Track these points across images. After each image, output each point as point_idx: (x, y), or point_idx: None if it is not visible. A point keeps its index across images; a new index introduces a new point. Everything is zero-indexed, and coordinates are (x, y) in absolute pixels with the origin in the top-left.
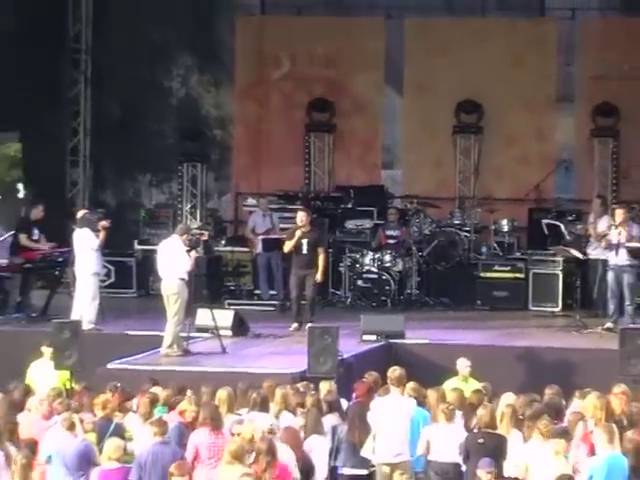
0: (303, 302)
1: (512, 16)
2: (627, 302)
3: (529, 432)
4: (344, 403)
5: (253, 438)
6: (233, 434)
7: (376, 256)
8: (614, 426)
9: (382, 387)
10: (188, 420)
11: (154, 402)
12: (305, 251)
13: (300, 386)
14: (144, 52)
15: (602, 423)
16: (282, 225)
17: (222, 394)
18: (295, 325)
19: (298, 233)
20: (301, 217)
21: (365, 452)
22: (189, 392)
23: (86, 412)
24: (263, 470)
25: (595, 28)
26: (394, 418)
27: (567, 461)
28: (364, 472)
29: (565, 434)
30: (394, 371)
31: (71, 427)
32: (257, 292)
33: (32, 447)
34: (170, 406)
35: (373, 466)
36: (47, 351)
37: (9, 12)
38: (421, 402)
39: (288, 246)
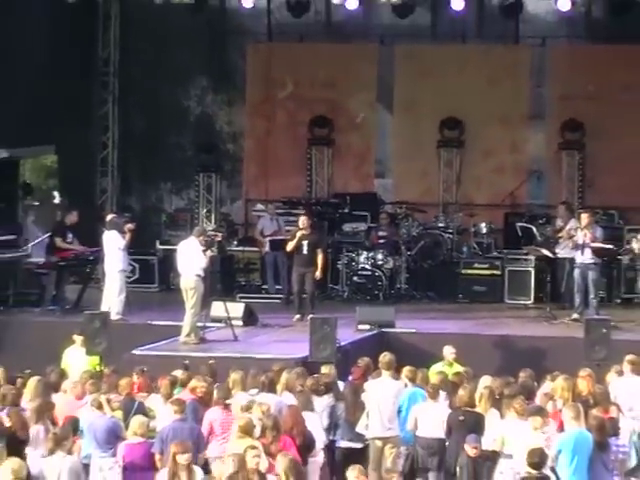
0: (304, 296)
1: (490, 43)
2: (591, 296)
3: (505, 410)
4: (341, 385)
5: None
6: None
7: (370, 255)
8: (580, 405)
9: (375, 371)
10: (199, 395)
11: (174, 384)
12: (305, 251)
13: (300, 370)
14: (165, 75)
15: (569, 403)
16: (287, 228)
17: (235, 376)
18: (297, 316)
19: (299, 234)
20: (302, 221)
21: (359, 428)
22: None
23: (113, 392)
24: (270, 443)
25: (563, 54)
26: (384, 398)
27: (543, 436)
28: (359, 445)
29: (541, 411)
30: (384, 356)
31: (99, 406)
32: (265, 287)
33: (75, 424)
34: (185, 386)
35: (367, 440)
36: (79, 339)
37: (44, 42)
38: (416, 383)
39: (290, 246)
